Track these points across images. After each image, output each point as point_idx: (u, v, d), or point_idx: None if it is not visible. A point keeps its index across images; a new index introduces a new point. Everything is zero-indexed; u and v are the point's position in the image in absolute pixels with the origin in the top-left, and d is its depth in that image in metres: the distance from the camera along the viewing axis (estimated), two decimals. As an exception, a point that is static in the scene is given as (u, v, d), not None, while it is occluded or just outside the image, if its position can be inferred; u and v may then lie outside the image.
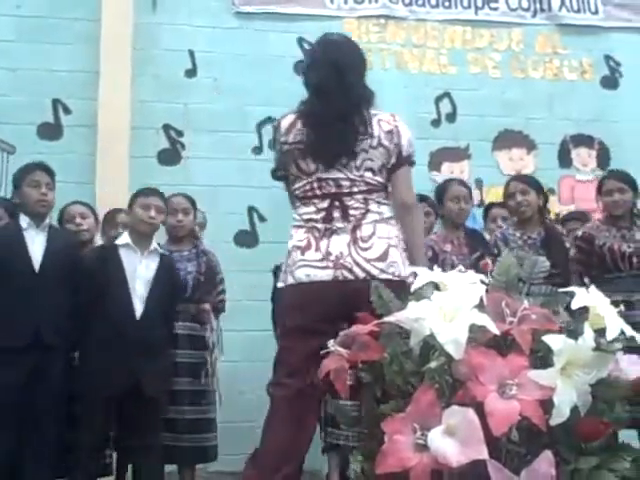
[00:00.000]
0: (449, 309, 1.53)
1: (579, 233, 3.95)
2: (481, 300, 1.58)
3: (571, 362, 1.53)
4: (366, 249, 2.38)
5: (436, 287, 1.63)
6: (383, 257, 2.39)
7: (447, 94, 6.00)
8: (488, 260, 3.39)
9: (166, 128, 5.55)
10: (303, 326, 2.30)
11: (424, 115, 5.92)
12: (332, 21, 5.95)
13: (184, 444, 3.66)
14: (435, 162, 5.87)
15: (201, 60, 5.71)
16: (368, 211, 2.42)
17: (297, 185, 2.44)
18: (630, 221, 3.90)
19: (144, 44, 5.65)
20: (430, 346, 1.55)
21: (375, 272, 2.35)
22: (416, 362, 1.55)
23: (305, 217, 2.39)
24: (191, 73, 5.68)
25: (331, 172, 2.40)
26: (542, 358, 1.55)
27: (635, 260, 3.76)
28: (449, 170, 5.85)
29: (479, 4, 6.20)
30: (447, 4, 6.15)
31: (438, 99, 6.00)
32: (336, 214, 2.39)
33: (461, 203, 3.90)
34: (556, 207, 5.82)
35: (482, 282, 1.64)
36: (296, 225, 2.43)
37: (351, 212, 2.39)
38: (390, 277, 2.35)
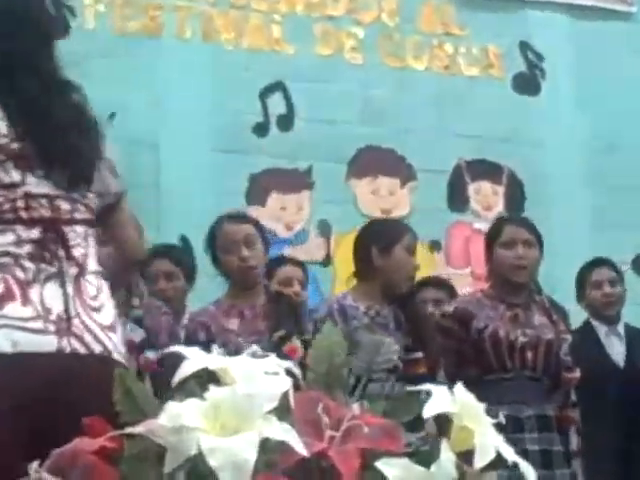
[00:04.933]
0: (231, 414, 1.42)
1: (449, 309, 3.89)
2: (285, 401, 1.49)
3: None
4: (97, 309, 2.21)
5: (213, 378, 1.55)
6: (114, 327, 2.23)
7: (280, 84, 5.60)
8: (297, 343, 3.43)
9: None
10: None
11: (243, 116, 5.52)
12: None
13: None
14: (257, 192, 5.50)
15: None
16: (89, 254, 2.26)
17: None
18: (527, 296, 3.82)
19: None
20: (199, 474, 1.40)
21: (110, 347, 2.17)
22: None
23: None
24: None
25: (43, 185, 2.22)
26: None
27: (530, 355, 3.71)
28: (279, 205, 5.55)
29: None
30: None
31: (266, 91, 5.58)
32: (53, 250, 2.18)
33: (241, 251, 3.62)
34: (442, 269, 5.60)
35: (289, 372, 1.54)
36: None
37: (74, 251, 2.20)
38: (122, 360, 2.19)
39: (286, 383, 1.50)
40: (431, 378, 3.30)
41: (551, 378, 3.74)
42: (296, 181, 5.56)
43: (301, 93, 5.59)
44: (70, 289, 2.22)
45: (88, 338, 2.19)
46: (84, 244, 2.28)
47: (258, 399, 1.44)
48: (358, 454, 1.45)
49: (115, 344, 2.25)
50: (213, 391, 1.46)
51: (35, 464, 1.51)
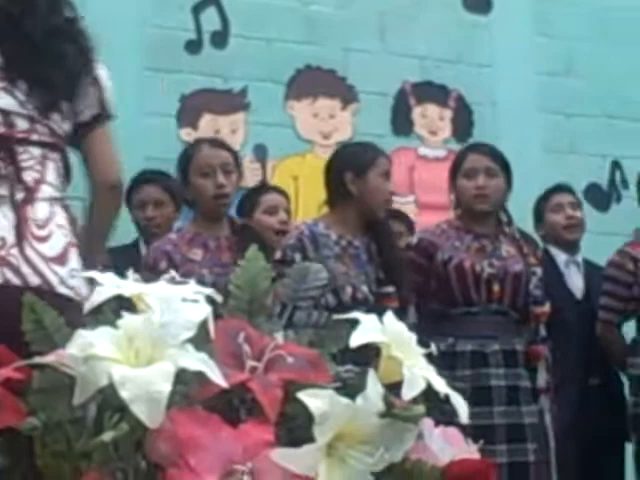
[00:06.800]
0: (145, 343, 1.46)
1: (413, 241, 4.03)
2: (204, 330, 1.52)
3: (344, 435, 1.50)
4: (42, 239, 2.21)
5: (126, 305, 1.57)
6: (62, 259, 2.24)
7: None
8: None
9: None
10: None
11: (174, 32, 5.44)
12: None
13: None
14: (189, 113, 5.42)
15: None
16: (44, 179, 2.27)
17: None
18: (495, 227, 3.89)
19: None
20: (111, 406, 1.45)
21: (54, 280, 2.18)
22: (91, 434, 1.45)
23: None
24: None
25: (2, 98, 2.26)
26: (298, 428, 1.52)
27: (496, 287, 3.78)
28: (213, 127, 5.44)
29: None
30: None
31: (198, 7, 5.54)
32: (3, 170, 2.21)
33: (217, 176, 3.67)
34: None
35: (210, 299, 1.58)
36: None
37: (25, 174, 2.22)
38: (71, 295, 2.19)
39: (205, 311, 1.52)
40: (402, 313, 3.35)
41: (519, 312, 3.79)
42: (230, 102, 5.45)
43: (237, 8, 5.47)
44: (11, 216, 2.18)
45: (25, 269, 2.15)
46: (39, 168, 2.23)
47: (174, 327, 1.46)
48: (280, 385, 1.49)
49: (62, 277, 2.19)
50: (126, 319, 1.48)
51: None
